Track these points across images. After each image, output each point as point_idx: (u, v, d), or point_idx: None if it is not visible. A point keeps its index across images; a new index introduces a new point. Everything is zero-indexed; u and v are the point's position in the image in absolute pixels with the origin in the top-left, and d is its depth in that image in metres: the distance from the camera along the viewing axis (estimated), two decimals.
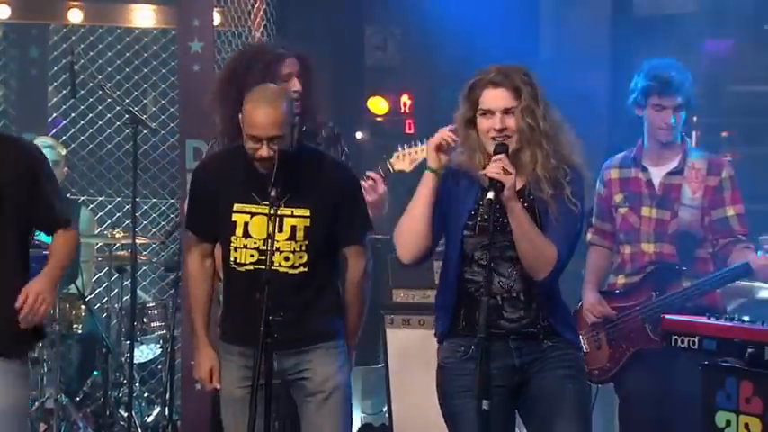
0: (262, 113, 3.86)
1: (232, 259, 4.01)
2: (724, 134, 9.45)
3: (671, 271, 4.66)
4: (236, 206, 3.99)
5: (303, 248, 3.97)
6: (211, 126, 5.69)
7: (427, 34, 9.32)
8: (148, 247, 7.29)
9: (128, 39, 7.51)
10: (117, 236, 6.32)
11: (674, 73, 4.74)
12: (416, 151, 5.33)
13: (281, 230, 3.95)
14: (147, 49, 7.55)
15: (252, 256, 3.98)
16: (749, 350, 3.66)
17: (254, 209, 3.97)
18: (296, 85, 4.39)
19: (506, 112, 3.64)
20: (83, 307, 6.27)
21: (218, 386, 4.10)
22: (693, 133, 6.43)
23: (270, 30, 7.04)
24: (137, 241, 5.98)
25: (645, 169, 4.77)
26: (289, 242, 3.96)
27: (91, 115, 7.46)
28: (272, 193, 3.78)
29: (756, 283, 6.06)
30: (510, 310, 3.69)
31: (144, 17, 7.44)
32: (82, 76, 6.76)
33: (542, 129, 3.63)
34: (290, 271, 3.97)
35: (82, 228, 6.58)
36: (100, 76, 7.12)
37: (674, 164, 4.74)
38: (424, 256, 3.79)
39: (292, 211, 3.96)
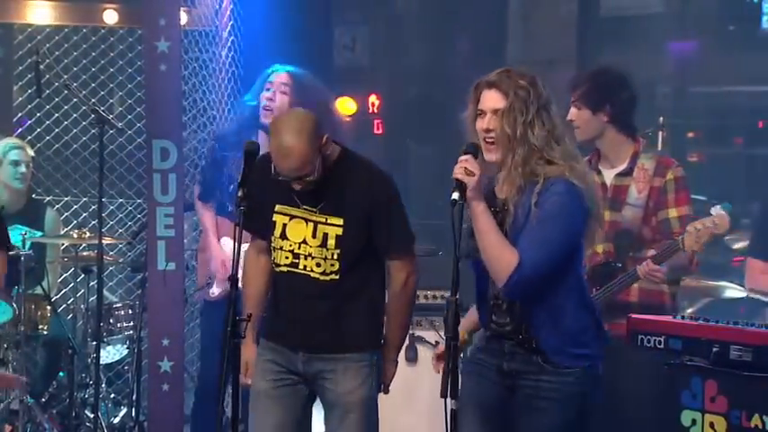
0: (283, 161, 3.83)
1: (273, 258, 4.06)
2: (690, 135, 9.51)
3: (606, 268, 4.65)
4: (277, 207, 4.01)
5: (335, 257, 3.97)
6: (178, 126, 5.69)
7: (395, 34, 9.33)
8: (115, 247, 7.24)
9: (94, 38, 7.46)
10: (83, 236, 6.27)
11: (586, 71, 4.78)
12: None
13: (314, 237, 3.98)
14: (114, 48, 7.50)
15: (287, 258, 4.02)
16: (714, 349, 3.68)
17: (293, 211, 4.00)
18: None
19: (495, 113, 3.64)
20: (48, 308, 6.22)
21: (249, 382, 4.11)
22: (660, 134, 6.46)
23: (237, 30, 7.02)
24: (103, 242, 5.94)
25: (599, 172, 4.77)
26: (320, 249, 3.98)
27: (57, 115, 7.40)
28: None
29: (722, 283, 6.11)
30: (497, 315, 3.75)
31: (110, 16, 7.40)
32: (47, 76, 6.70)
33: (519, 134, 3.60)
34: (321, 277, 3.99)
35: (48, 228, 6.55)
36: (66, 76, 7.06)
37: (624, 165, 4.74)
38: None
39: (326, 219, 3.97)
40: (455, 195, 3.50)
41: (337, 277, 3.98)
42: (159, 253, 5.64)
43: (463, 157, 3.57)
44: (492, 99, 3.66)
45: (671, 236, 4.59)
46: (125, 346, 6.60)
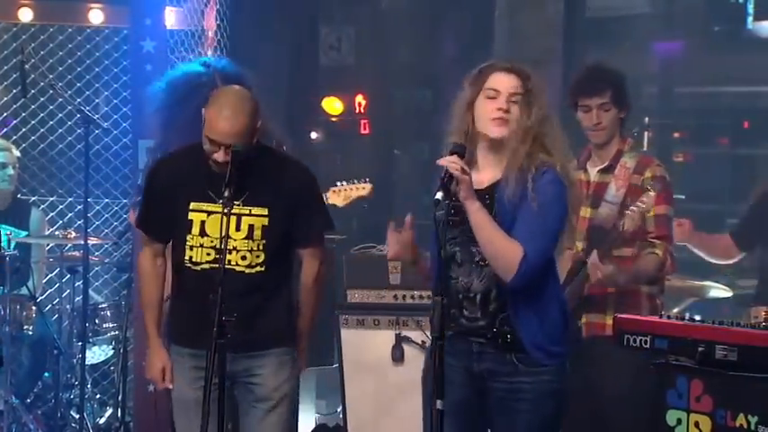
0: (224, 121, 3.84)
1: (187, 258, 4.00)
2: (676, 135, 9.54)
3: (577, 264, 4.65)
4: (192, 204, 3.98)
5: (261, 248, 3.96)
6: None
7: (381, 34, 9.33)
8: (100, 247, 7.22)
9: (79, 38, 7.43)
10: (68, 236, 6.25)
11: (599, 72, 4.75)
12: (353, 188, 5.45)
13: (238, 229, 3.94)
14: (99, 48, 7.47)
15: (208, 254, 3.97)
16: (700, 349, 3.69)
17: (210, 207, 3.96)
18: None
19: (512, 96, 3.62)
20: (33, 308, 6.21)
21: (171, 386, 4.08)
22: (645, 134, 6.48)
23: (223, 30, 7.01)
24: (89, 242, 5.93)
25: (586, 170, 4.77)
26: (246, 241, 3.95)
27: (42, 115, 7.37)
28: (226, 193, 3.75)
29: (706, 282, 6.13)
30: (469, 310, 3.68)
31: (95, 16, 7.37)
32: (32, 76, 6.67)
33: (530, 125, 3.61)
34: (247, 270, 3.97)
35: (33, 228, 6.53)
36: (51, 76, 7.02)
37: (607, 162, 4.74)
38: None
39: (250, 210, 3.95)
40: (439, 195, 3.48)
41: (263, 269, 3.96)
42: None
43: (452, 157, 3.54)
44: (510, 83, 3.64)
45: (645, 235, 4.57)
46: (111, 347, 6.58)
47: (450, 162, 3.52)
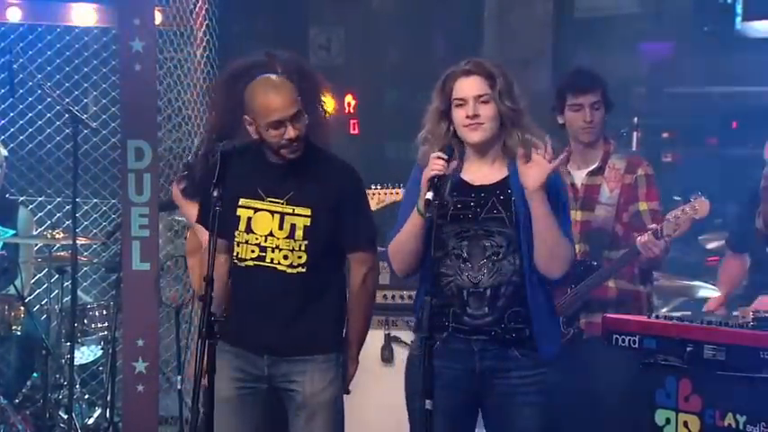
0: (276, 97, 3.86)
1: (235, 254, 4.01)
2: (665, 135, 9.56)
3: (582, 266, 4.67)
4: (241, 201, 3.98)
5: (302, 248, 3.94)
6: (152, 126, 5.67)
7: (371, 34, 9.33)
8: (89, 247, 7.21)
9: (68, 37, 7.41)
10: (57, 236, 6.23)
11: (590, 71, 4.79)
12: (386, 193, 5.41)
13: (281, 228, 3.94)
14: (88, 47, 7.46)
15: (253, 251, 3.97)
16: (688, 349, 3.70)
17: (258, 204, 3.96)
18: None
19: (479, 98, 3.64)
20: (22, 308, 6.18)
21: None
22: (635, 134, 6.49)
23: (212, 29, 7.01)
24: (77, 242, 5.91)
25: (569, 173, 4.78)
26: (287, 240, 3.94)
27: (30, 115, 7.36)
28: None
29: (696, 282, 6.14)
30: (474, 306, 3.66)
31: (84, 15, 7.36)
32: (21, 75, 6.67)
33: (511, 115, 3.65)
34: (288, 270, 3.94)
35: (21, 228, 6.51)
36: (39, 75, 7.02)
37: (595, 164, 4.76)
38: (414, 272, 3.79)
39: (294, 209, 3.94)
40: (429, 195, 3.48)
41: (304, 270, 3.93)
42: (134, 253, 5.61)
43: (435, 160, 3.55)
44: (474, 85, 3.65)
45: (643, 228, 4.60)
46: (99, 347, 6.56)
47: (434, 163, 3.53)
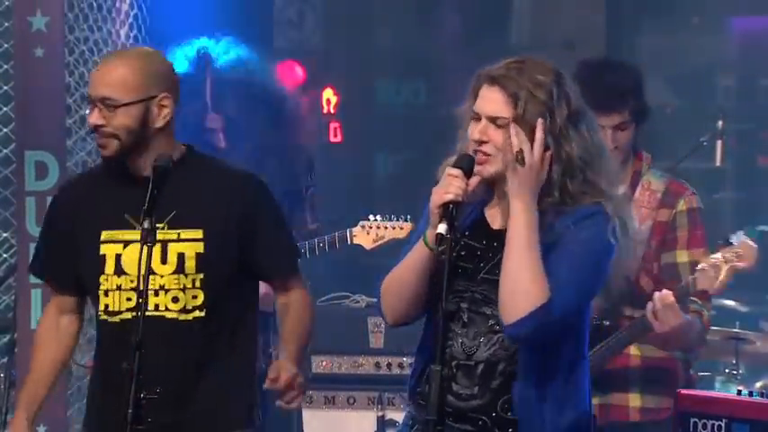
0: (98, 70, 3.98)
1: (102, 308, 4.00)
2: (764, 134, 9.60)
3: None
4: (104, 234, 3.98)
5: (197, 284, 3.95)
6: (60, 132, 5.67)
7: (359, 8, 9.37)
8: None
9: None
10: None
11: (616, 82, 4.75)
12: (389, 228, 5.41)
13: (164, 261, 3.94)
14: None
15: (129, 299, 3.95)
16: None
17: (127, 235, 3.95)
18: None
19: (493, 120, 3.59)
20: None
21: None
22: (719, 143, 6.50)
23: (142, 1, 7.03)
24: None
25: None
26: (176, 276, 3.94)
27: None
28: (146, 224, 3.72)
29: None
30: (461, 383, 3.65)
31: None
32: None
33: (578, 154, 3.57)
34: (181, 317, 3.95)
35: None
36: None
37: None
38: (411, 320, 3.78)
39: (179, 234, 3.95)
40: (442, 228, 3.48)
41: (202, 314, 3.94)
42: (34, 307, 5.63)
43: (454, 171, 3.54)
44: (491, 102, 3.59)
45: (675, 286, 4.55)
46: None
47: (450, 183, 3.53)
